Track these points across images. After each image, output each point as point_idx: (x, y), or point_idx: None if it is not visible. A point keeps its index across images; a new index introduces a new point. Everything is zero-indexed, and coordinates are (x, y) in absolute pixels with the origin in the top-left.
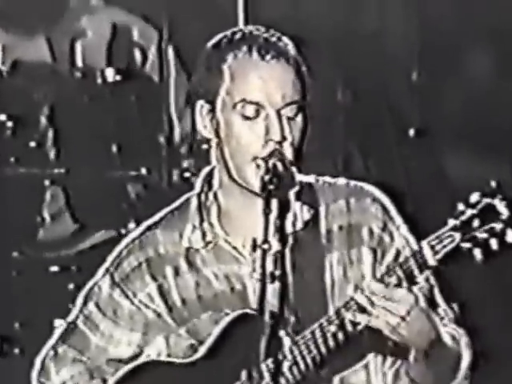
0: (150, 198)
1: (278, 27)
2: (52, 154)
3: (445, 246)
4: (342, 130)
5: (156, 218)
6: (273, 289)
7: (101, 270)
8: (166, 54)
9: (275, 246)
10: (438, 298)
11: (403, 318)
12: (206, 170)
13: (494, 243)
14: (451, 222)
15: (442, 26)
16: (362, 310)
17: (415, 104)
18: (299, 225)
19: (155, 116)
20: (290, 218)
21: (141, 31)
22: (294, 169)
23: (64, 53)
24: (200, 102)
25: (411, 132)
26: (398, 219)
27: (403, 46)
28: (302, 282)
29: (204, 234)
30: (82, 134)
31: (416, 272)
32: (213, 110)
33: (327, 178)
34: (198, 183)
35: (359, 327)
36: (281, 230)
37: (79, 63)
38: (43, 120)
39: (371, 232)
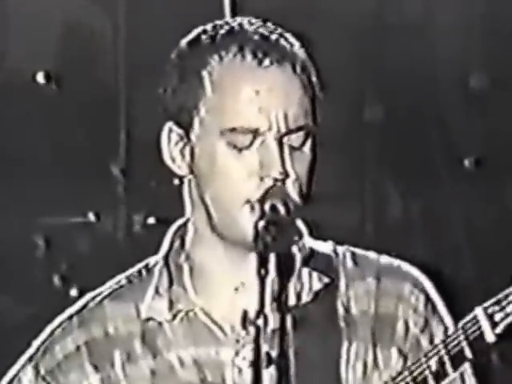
0: (100, 254)
1: (276, 21)
2: None
3: (508, 315)
4: (371, 160)
5: (106, 286)
6: (267, 378)
7: (22, 359)
8: (123, 51)
9: (273, 320)
10: None
11: None
12: (176, 224)
13: None
14: None
15: None
16: None
17: (473, 123)
18: (305, 297)
19: (107, 138)
20: (295, 286)
21: (89, 19)
22: (298, 215)
23: None
24: (168, 125)
25: (467, 162)
26: (446, 317)
27: (457, 43)
28: (306, 377)
29: (171, 302)
30: (4, 164)
31: (467, 352)
32: (187, 136)
33: (350, 248)
34: (165, 242)
35: None
36: (279, 298)
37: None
38: None
39: (407, 329)
